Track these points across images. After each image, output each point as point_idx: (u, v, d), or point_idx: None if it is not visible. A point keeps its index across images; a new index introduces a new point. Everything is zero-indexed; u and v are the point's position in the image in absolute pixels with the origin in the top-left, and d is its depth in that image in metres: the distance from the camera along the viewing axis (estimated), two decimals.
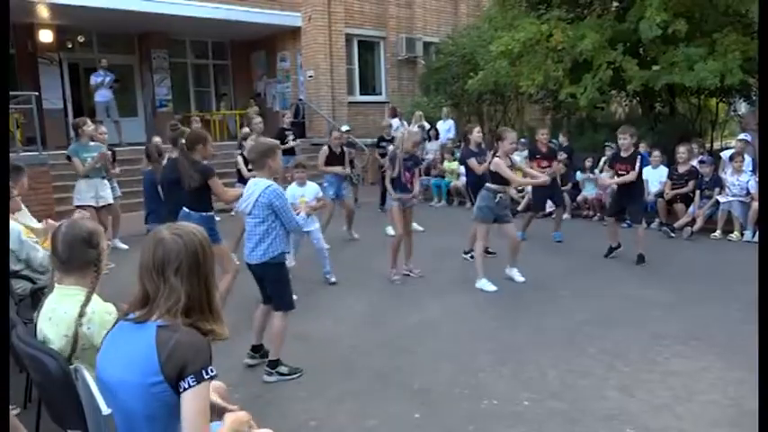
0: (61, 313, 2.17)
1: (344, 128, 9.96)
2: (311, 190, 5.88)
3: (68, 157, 7.06)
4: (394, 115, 12.16)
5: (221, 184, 4.66)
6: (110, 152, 7.60)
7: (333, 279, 5.93)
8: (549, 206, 8.43)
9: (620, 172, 6.58)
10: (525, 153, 8.27)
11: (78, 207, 6.84)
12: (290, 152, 9.31)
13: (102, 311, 2.20)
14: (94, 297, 2.23)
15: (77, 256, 2.21)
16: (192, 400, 1.65)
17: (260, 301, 4.00)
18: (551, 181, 7.46)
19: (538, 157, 7.82)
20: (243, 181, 6.98)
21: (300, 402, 3.52)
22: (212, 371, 1.69)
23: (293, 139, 10.17)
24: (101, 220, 6.69)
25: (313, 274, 5.96)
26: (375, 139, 11.14)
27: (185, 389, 1.64)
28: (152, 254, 1.73)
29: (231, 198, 4.76)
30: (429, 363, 4.04)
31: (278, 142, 4.15)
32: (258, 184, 3.69)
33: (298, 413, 3.39)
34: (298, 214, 5.37)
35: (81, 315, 2.13)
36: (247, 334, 4.12)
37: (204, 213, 4.49)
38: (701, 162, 8.27)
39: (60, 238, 2.24)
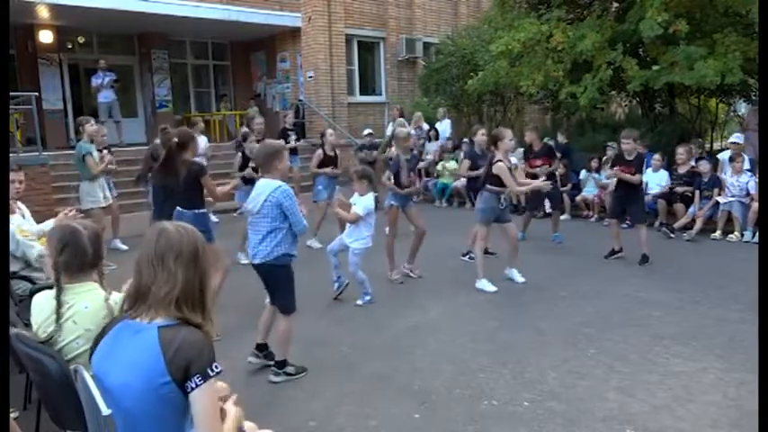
0: (82, 309, 2.22)
1: (368, 131, 10.20)
2: (364, 202, 5.32)
3: (83, 157, 6.89)
4: (401, 116, 12.09)
5: (212, 182, 4.68)
6: (106, 151, 7.60)
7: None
8: (548, 207, 8.40)
9: (624, 174, 6.60)
10: (520, 154, 8.20)
11: (85, 210, 6.73)
12: (293, 152, 9.42)
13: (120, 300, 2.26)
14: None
15: (76, 260, 2.26)
16: (201, 398, 1.66)
17: (264, 301, 4.01)
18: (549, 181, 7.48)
19: (531, 156, 7.77)
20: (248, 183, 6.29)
21: (300, 402, 3.52)
22: (217, 367, 1.70)
23: (296, 140, 10.38)
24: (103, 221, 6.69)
25: (312, 275, 5.96)
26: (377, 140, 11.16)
27: (193, 388, 1.65)
28: (155, 243, 1.75)
29: (222, 196, 4.76)
30: (429, 363, 4.04)
31: (283, 143, 4.16)
32: (268, 185, 3.71)
33: (298, 413, 3.39)
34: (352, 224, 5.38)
35: (106, 299, 2.25)
36: (249, 334, 4.13)
37: (197, 211, 4.50)
38: (698, 159, 8.28)
39: (53, 242, 2.30)
